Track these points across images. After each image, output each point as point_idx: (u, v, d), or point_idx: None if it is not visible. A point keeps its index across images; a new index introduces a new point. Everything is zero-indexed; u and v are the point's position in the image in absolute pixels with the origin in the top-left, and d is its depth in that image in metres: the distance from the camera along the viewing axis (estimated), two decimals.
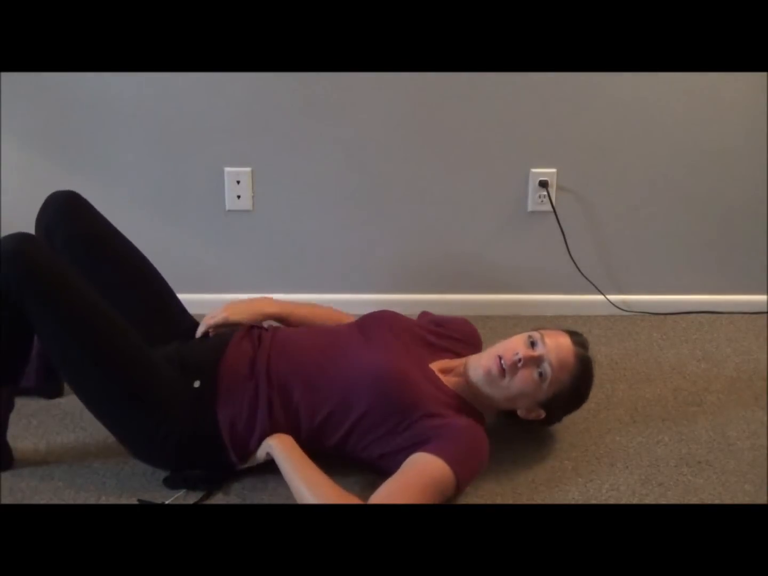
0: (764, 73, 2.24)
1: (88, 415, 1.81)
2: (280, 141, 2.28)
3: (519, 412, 1.63)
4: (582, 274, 2.38)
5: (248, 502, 1.54)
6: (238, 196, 2.32)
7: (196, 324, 1.78)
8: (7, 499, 1.53)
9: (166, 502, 1.52)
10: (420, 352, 1.68)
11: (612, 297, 2.42)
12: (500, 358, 1.57)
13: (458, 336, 1.79)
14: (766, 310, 2.44)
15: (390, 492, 1.41)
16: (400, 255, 2.39)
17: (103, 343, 1.51)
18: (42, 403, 1.85)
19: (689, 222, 2.40)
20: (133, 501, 1.53)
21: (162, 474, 1.60)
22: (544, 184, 2.32)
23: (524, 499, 1.57)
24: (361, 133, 2.28)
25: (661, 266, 2.44)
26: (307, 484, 1.44)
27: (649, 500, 1.58)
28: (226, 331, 1.71)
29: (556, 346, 1.58)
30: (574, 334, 1.64)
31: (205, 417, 1.55)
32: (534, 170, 2.33)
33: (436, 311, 1.96)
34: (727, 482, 1.63)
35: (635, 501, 1.57)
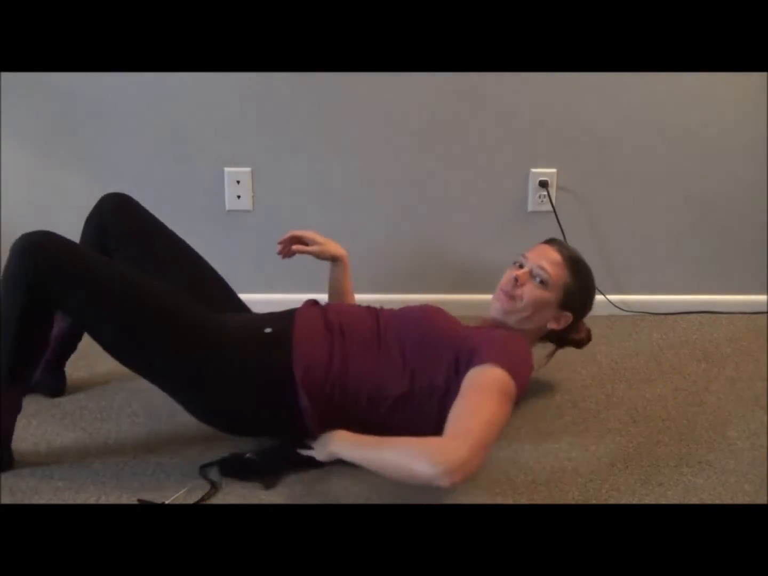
0: (764, 73, 2.24)
1: (88, 415, 1.81)
2: (280, 141, 2.28)
3: (550, 325, 1.72)
4: None
5: (248, 502, 1.54)
6: (238, 196, 2.32)
7: (247, 308, 1.86)
8: (7, 499, 1.53)
9: (166, 502, 1.52)
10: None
11: (612, 297, 2.42)
12: (502, 290, 1.71)
13: None
14: (766, 310, 2.44)
15: (460, 413, 1.42)
16: (400, 255, 2.39)
17: (149, 304, 1.54)
18: (42, 403, 1.85)
19: (689, 222, 2.40)
20: (133, 501, 1.53)
21: (161, 474, 1.60)
22: (544, 184, 2.32)
23: (524, 499, 1.57)
24: (361, 133, 2.28)
25: (661, 266, 2.44)
26: (394, 456, 1.39)
27: (649, 500, 1.57)
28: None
29: (539, 253, 1.72)
30: (549, 241, 1.78)
31: (279, 360, 1.56)
32: (534, 170, 2.33)
33: None
34: (727, 482, 1.63)
35: (635, 501, 1.57)
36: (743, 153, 2.33)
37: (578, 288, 1.72)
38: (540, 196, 2.34)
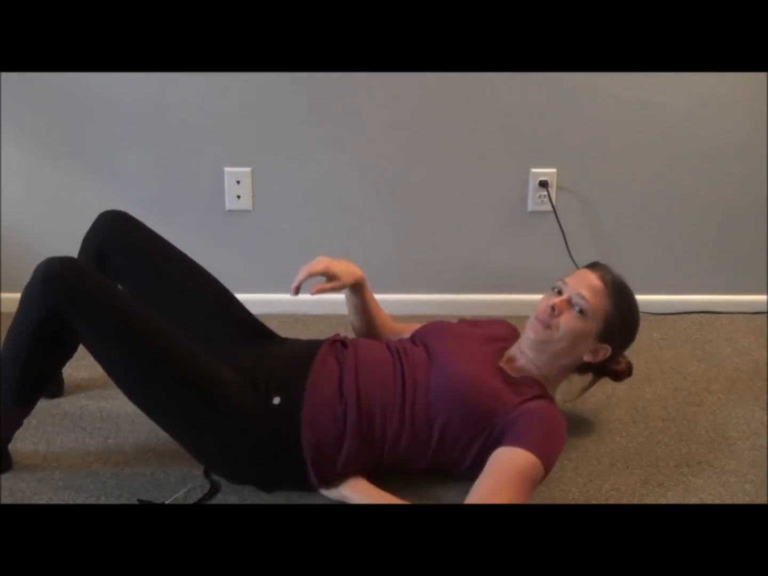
0: (764, 73, 2.24)
1: (88, 416, 1.81)
2: (280, 141, 2.28)
3: (586, 358, 1.61)
4: None
5: (248, 502, 1.54)
6: (238, 196, 2.32)
7: (261, 325, 1.75)
8: (7, 499, 1.53)
9: (166, 502, 1.52)
10: (483, 351, 1.65)
11: None
12: (537, 318, 1.60)
13: (502, 333, 1.76)
14: (766, 310, 2.44)
15: (482, 495, 1.40)
16: (400, 255, 2.39)
17: (163, 358, 1.46)
18: (42, 403, 1.85)
19: (689, 222, 2.40)
20: (133, 501, 1.53)
21: (161, 474, 1.61)
22: (544, 184, 2.32)
23: None
24: (361, 133, 2.28)
25: (661, 266, 2.44)
26: None
27: (649, 500, 1.58)
28: (305, 343, 1.67)
29: (579, 279, 1.60)
30: (592, 265, 1.66)
31: (286, 436, 1.49)
32: (534, 170, 2.33)
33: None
34: (727, 482, 1.63)
35: (635, 501, 1.57)
36: (743, 153, 2.33)
37: (620, 319, 1.59)
38: (540, 196, 2.34)
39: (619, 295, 1.60)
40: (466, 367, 1.55)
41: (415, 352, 1.62)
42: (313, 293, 1.67)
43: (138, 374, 1.47)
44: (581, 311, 1.57)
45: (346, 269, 1.72)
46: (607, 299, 1.58)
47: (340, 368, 1.56)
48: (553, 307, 1.57)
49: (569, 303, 1.58)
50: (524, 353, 1.64)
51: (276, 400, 1.51)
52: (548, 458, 1.46)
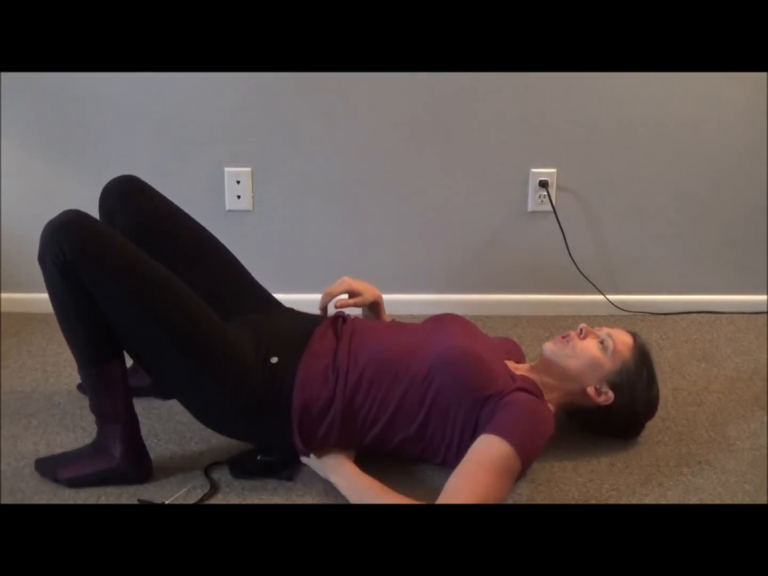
0: (764, 73, 2.24)
1: (88, 415, 1.81)
2: (280, 141, 2.28)
3: (588, 390, 1.65)
4: (582, 274, 2.38)
5: (248, 502, 1.55)
6: (238, 196, 2.32)
7: (266, 292, 1.81)
8: (7, 499, 1.53)
9: (166, 502, 1.53)
10: (492, 344, 1.74)
11: (612, 297, 2.42)
12: (562, 334, 1.70)
13: (509, 347, 1.86)
14: (766, 310, 2.44)
15: (456, 487, 1.42)
16: (400, 255, 2.39)
17: (168, 304, 1.50)
18: (42, 403, 1.86)
19: (689, 222, 2.40)
20: (133, 501, 1.53)
21: (161, 474, 1.61)
22: (544, 184, 2.32)
23: (524, 499, 1.57)
24: (361, 133, 2.28)
25: (661, 266, 2.44)
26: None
27: (649, 500, 1.58)
28: (309, 316, 1.74)
29: (613, 329, 1.71)
30: (630, 331, 1.74)
31: (278, 394, 1.54)
32: (534, 170, 2.32)
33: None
34: (727, 482, 1.63)
35: (635, 501, 1.57)
36: (743, 153, 2.33)
37: (636, 376, 1.66)
38: (540, 196, 2.34)
39: (643, 357, 1.69)
40: (473, 345, 1.60)
41: (423, 326, 1.71)
42: (336, 307, 1.74)
43: (143, 316, 1.48)
44: (603, 342, 1.66)
45: (368, 287, 1.80)
46: (630, 352, 1.67)
47: (336, 341, 1.63)
48: (581, 330, 1.68)
49: (596, 335, 1.68)
50: (534, 366, 1.71)
51: (274, 359, 1.57)
52: (526, 450, 1.47)
